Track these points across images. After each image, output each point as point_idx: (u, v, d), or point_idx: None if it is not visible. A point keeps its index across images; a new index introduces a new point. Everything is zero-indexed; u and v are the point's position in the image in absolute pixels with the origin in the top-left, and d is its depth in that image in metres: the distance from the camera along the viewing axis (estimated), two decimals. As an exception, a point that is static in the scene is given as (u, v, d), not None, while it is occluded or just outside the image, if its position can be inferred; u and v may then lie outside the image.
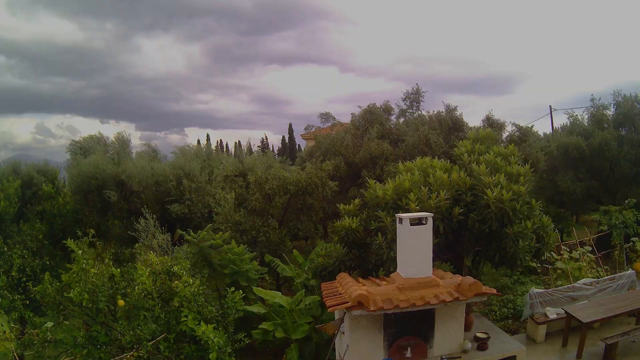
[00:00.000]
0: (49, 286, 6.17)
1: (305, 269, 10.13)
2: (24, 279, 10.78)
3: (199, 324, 5.98)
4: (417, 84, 17.93)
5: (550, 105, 24.85)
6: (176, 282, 6.44)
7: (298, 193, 11.99)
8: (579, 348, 8.01)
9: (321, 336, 8.32)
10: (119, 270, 6.49)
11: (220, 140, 48.69)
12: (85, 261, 6.17)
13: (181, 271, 6.69)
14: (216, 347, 5.78)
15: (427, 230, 6.67)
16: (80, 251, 6.23)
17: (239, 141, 48.12)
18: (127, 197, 15.84)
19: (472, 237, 8.16)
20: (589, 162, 15.41)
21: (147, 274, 6.32)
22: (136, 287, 6.28)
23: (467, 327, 7.38)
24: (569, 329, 8.49)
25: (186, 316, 6.11)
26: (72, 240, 6.43)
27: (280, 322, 8.48)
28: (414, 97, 16.33)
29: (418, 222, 6.64)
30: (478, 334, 7.14)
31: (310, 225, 14.51)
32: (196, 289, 6.55)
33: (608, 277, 9.93)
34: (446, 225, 7.77)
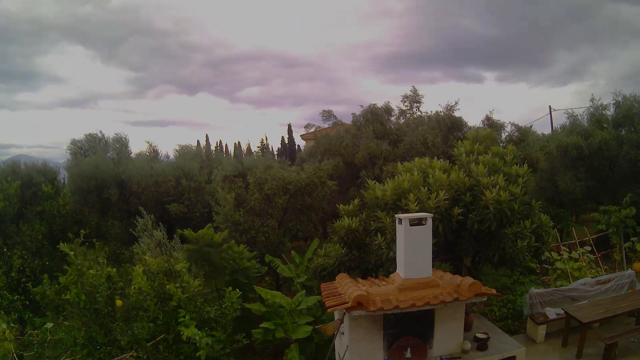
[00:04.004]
0: (48, 288, 6.16)
1: (303, 269, 10.12)
2: (24, 279, 10.77)
3: (193, 325, 5.97)
4: (413, 86, 18.50)
5: (549, 105, 24.93)
6: (177, 283, 6.43)
7: (297, 193, 12.00)
8: (578, 348, 8.02)
9: (321, 336, 8.32)
10: (114, 270, 6.47)
11: (220, 140, 48.75)
12: (80, 262, 6.14)
13: (183, 271, 6.68)
14: (204, 346, 5.78)
15: (426, 230, 6.68)
16: (73, 252, 6.20)
17: (238, 142, 48.16)
18: (127, 198, 15.82)
19: (471, 238, 8.17)
20: (589, 162, 15.40)
21: (142, 273, 6.29)
22: (132, 287, 6.27)
23: (467, 327, 7.39)
24: (569, 329, 8.50)
25: (184, 317, 6.11)
26: (67, 242, 6.41)
27: (280, 322, 8.48)
28: (413, 98, 16.36)
29: (417, 222, 6.65)
30: (478, 334, 7.15)
31: (310, 225, 14.50)
32: (196, 290, 6.55)
33: (605, 277, 9.92)
34: (445, 226, 7.77)
